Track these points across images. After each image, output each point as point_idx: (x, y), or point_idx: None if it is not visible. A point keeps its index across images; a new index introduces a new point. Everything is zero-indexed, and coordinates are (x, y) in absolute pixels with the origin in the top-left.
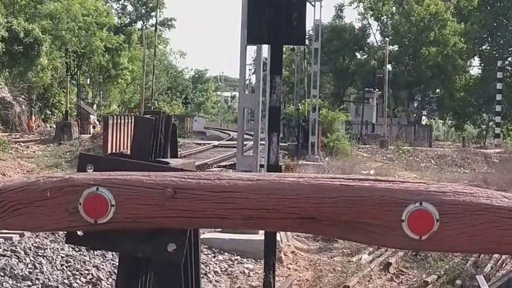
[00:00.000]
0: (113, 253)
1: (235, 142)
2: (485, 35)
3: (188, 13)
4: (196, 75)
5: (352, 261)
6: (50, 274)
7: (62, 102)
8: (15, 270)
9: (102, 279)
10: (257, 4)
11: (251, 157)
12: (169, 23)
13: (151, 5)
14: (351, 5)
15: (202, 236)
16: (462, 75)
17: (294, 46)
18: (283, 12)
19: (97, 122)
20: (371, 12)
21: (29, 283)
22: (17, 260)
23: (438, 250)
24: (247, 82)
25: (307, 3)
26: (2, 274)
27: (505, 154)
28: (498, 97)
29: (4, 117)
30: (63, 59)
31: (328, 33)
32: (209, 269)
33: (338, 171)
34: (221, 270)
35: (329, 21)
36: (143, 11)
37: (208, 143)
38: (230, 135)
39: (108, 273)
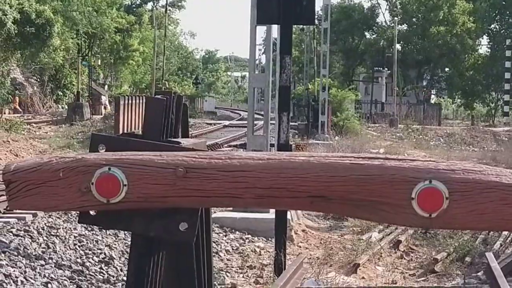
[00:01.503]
0: (126, 232)
1: (246, 122)
2: (494, 14)
3: None
4: (207, 56)
5: (362, 239)
6: (63, 254)
7: (73, 83)
8: (28, 249)
9: (114, 258)
10: None
11: (262, 136)
12: (179, 3)
13: None
14: None
15: (213, 215)
16: (471, 54)
17: (304, 26)
18: None
19: (108, 103)
20: None
21: (42, 262)
22: (30, 240)
23: (448, 228)
24: (257, 62)
25: None
26: (15, 253)
27: None
28: (507, 75)
29: (19, 100)
30: (74, 40)
31: (337, 13)
32: (221, 247)
33: (348, 150)
34: (233, 249)
35: (338, 1)
36: None
37: (219, 123)
38: (240, 115)
39: (120, 252)
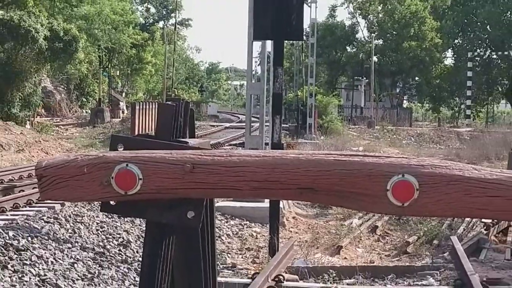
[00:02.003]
0: (141, 219)
1: (244, 124)
2: (457, 31)
3: (202, 13)
4: (210, 67)
5: (344, 224)
6: (87, 238)
7: (95, 91)
8: (57, 234)
9: (131, 242)
10: (261, 6)
11: (258, 136)
12: (186, 22)
13: (171, 7)
14: (342, 6)
15: (216, 205)
16: (437, 65)
17: (294, 42)
18: (284, 12)
19: (125, 108)
20: (359, 11)
21: (69, 245)
22: (59, 226)
23: (418, 215)
24: (253, 72)
25: (304, 5)
26: (46, 238)
27: (474, 132)
28: (468, 83)
29: (47, 104)
30: (96, 54)
31: (323, 30)
32: (223, 232)
33: (332, 148)
34: (233, 233)
35: (323, 19)
36: (164, 12)
37: (221, 125)
38: (239, 118)
39: (136, 237)
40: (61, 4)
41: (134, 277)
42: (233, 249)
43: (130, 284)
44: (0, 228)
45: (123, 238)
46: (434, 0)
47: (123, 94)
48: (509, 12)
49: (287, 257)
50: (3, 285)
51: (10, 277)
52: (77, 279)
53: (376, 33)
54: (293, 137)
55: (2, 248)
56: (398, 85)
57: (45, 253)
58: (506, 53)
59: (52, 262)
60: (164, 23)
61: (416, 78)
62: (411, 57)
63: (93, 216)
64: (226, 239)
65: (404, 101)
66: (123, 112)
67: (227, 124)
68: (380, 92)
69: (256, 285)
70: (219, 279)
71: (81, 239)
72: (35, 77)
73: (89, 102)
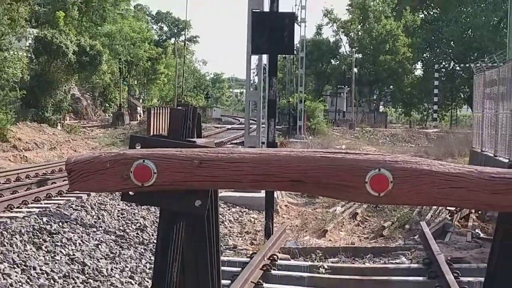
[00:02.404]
0: (155, 207)
1: (243, 126)
2: (426, 46)
3: (208, 30)
4: (214, 77)
5: (329, 212)
6: (110, 223)
7: (116, 97)
8: (84, 220)
9: (147, 226)
10: (258, 25)
11: (255, 136)
12: (194, 39)
13: (181, 26)
14: (327, 25)
15: (220, 195)
16: (409, 75)
17: (286, 55)
18: (277, 31)
19: (142, 112)
20: (342, 30)
21: (94, 229)
22: (85, 213)
23: (392, 204)
24: (251, 82)
25: (295, 24)
26: (74, 223)
27: (440, 133)
28: (435, 91)
29: (75, 109)
30: (117, 66)
31: (311, 45)
32: (225, 218)
33: (318, 146)
34: (234, 219)
35: (311, 36)
36: (175, 30)
37: (223, 127)
38: (239, 120)
39: (151, 222)
40: (87, 23)
41: (150, 257)
42: (234, 232)
43: (146, 263)
44: (36, 215)
45: (140, 223)
46: (406, 20)
47: (140, 100)
48: (470, 31)
49: (280, 240)
50: (38, 263)
51: (44, 256)
52: (101, 258)
53: (356, 48)
54: (285, 137)
55: (37, 232)
56: (375, 93)
57: (73, 236)
58: (467, 65)
59: (79, 243)
60: (175, 39)
61: (391, 87)
62: (386, 69)
63: (115, 204)
64: (228, 224)
65: (380, 106)
66: (140, 116)
67: (229, 126)
68: (359, 98)
69: (254, 263)
70: (222, 258)
71: (104, 224)
72: (65, 86)
73: (111, 107)
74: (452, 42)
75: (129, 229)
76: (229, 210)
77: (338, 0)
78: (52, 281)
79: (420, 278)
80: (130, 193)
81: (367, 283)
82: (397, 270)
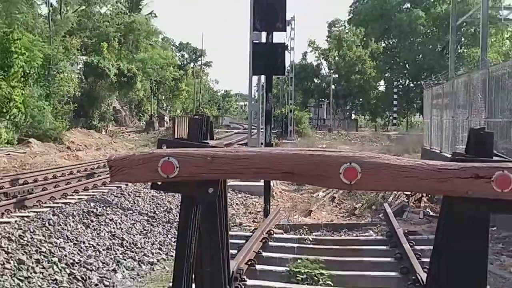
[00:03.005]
0: (178, 194)
1: (247, 130)
2: (387, 68)
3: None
4: (224, 93)
5: (313, 196)
6: (143, 207)
7: (148, 109)
8: (123, 204)
9: (172, 209)
10: (257, 53)
11: (256, 139)
12: (208, 64)
13: (198, 54)
14: (311, 52)
15: (228, 184)
16: (374, 90)
17: (279, 76)
18: (272, 57)
19: (168, 120)
20: (322, 56)
21: (131, 212)
22: (124, 199)
23: (362, 189)
24: (253, 96)
25: (286, 52)
26: (115, 207)
27: (399, 135)
28: (394, 102)
29: (116, 118)
30: (148, 85)
31: (298, 68)
32: (233, 202)
33: (304, 146)
34: (240, 202)
35: (298, 61)
36: (193, 57)
37: (232, 131)
38: (243, 126)
39: (176, 205)
40: (125, 52)
41: (174, 233)
42: (240, 213)
43: (171, 237)
44: (85, 201)
45: (167, 206)
46: (371, 48)
47: (167, 111)
48: (420, 56)
49: (275, 218)
50: (86, 239)
51: (91, 233)
52: (136, 234)
53: (333, 70)
54: (279, 139)
55: (86, 214)
56: (348, 104)
57: (114, 217)
58: (419, 82)
59: (119, 223)
60: (194, 64)
61: (360, 99)
62: (357, 86)
63: (147, 192)
64: (235, 206)
65: (352, 114)
66: (166, 123)
67: (236, 131)
68: (336, 108)
69: (255, 237)
70: (230, 233)
71: (139, 207)
72: (108, 100)
73: (144, 117)
74: (407, 64)
75: (158, 211)
76: (235, 195)
77: (319, 33)
78: (97, 252)
79: (384, 247)
80: (158, 183)
81: (343, 251)
82: (366, 241)
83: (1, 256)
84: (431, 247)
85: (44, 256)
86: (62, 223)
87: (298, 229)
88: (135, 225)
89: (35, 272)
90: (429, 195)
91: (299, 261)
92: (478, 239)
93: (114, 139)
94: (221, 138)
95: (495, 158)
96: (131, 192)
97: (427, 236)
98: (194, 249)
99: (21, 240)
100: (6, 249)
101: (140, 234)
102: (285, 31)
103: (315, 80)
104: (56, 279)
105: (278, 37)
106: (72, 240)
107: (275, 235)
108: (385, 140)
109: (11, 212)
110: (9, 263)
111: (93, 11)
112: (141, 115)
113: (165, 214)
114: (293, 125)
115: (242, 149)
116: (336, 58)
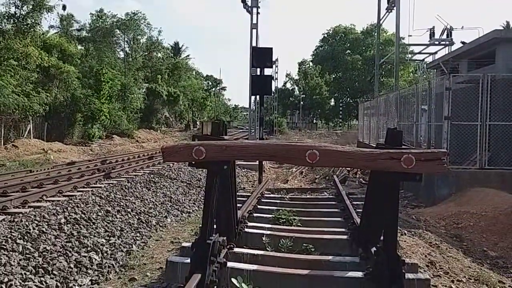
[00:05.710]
0: (205, 170)
1: (248, 130)
2: (336, 91)
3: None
4: (234, 107)
5: (289, 170)
6: (183, 177)
7: (186, 117)
8: (171, 176)
9: (202, 179)
10: (255, 81)
11: (253, 135)
12: (223, 88)
13: (217, 82)
14: (288, 81)
15: (237, 163)
16: (327, 105)
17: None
18: (264, 84)
19: (199, 123)
20: (295, 83)
21: (176, 180)
22: (171, 172)
23: (320, 166)
24: (252, 108)
25: (272, 81)
26: (166, 177)
27: (343, 132)
28: (341, 112)
29: (167, 122)
30: (187, 102)
31: (280, 91)
32: (239, 174)
33: (283, 139)
34: (243, 175)
35: (280, 86)
36: (214, 84)
37: (238, 131)
38: (246, 128)
39: (203, 176)
40: (172, 80)
41: (203, 193)
42: (243, 181)
43: (201, 197)
44: (147, 174)
45: (198, 176)
46: (326, 78)
47: (198, 118)
48: (357, 83)
49: (265, 184)
50: (148, 197)
51: (151, 194)
52: (179, 194)
53: (302, 92)
54: (268, 135)
55: (147, 182)
56: (311, 113)
57: (165, 184)
58: (356, 100)
59: (169, 187)
60: (214, 88)
61: (319, 110)
62: (317, 102)
63: (186, 168)
64: (241, 177)
65: (314, 120)
66: (197, 126)
67: (241, 130)
68: (304, 116)
69: (253, 196)
70: (237, 193)
71: (181, 177)
72: (161, 111)
73: (184, 121)
74: (348, 88)
75: (193, 180)
76: (241, 170)
77: (293, 68)
78: (155, 206)
79: (334, 202)
80: (193, 162)
81: (308, 205)
82: (322, 199)
83: (96, 207)
84: (363, 202)
85: (122, 208)
86: (133, 187)
87: (280, 191)
88: (178, 188)
89: (116, 218)
90: (362, 170)
91: (280, 211)
92: (392, 197)
93: (165, 135)
94: (232, 135)
95: (403, 147)
96: (176, 169)
97: (361, 196)
98: (215, 203)
99: (108, 198)
100: (99, 203)
101: (181, 194)
102: (272, 67)
103: (291, 99)
104: (130, 222)
105: (267, 71)
106: (139, 198)
107: (265, 195)
108: (334, 136)
109: (102, 181)
110: (101, 212)
111: (152, 56)
112: (182, 121)
113: (197, 182)
114: (276, 127)
115: (245, 141)
116: (304, 85)
